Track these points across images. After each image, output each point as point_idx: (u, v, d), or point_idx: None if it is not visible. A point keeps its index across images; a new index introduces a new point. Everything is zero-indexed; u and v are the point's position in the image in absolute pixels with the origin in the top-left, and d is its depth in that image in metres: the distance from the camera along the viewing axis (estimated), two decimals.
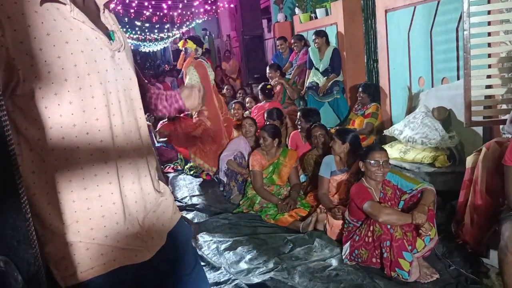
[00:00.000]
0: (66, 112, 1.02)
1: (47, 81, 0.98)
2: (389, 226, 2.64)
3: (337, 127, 4.72)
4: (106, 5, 1.18)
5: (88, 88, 1.05)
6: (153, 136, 6.29)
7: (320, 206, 3.52)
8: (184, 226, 1.38)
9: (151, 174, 1.25)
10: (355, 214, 2.90)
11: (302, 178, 4.22)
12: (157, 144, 6.27)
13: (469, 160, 2.93)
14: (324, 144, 3.96)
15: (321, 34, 5.74)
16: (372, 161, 2.85)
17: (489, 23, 3.27)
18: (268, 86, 5.74)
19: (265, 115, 4.99)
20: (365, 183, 2.91)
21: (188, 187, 4.95)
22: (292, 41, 6.57)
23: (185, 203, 4.41)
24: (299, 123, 4.44)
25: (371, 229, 2.73)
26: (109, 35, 1.13)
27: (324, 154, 3.87)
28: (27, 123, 1.01)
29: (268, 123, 4.77)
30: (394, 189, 2.92)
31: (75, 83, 1.02)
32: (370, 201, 2.75)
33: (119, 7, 12.22)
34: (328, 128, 4.17)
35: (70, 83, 1.01)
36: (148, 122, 6.72)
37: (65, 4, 1.02)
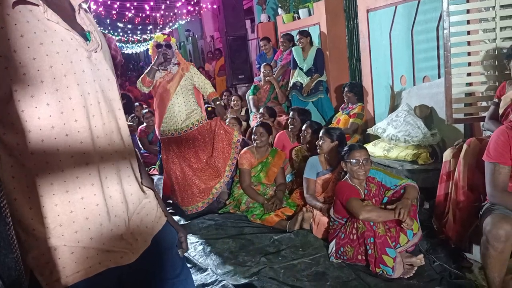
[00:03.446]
0: (43, 114, 1.00)
1: (23, 83, 0.97)
2: (371, 223, 2.67)
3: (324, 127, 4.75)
4: (81, 6, 1.16)
5: (65, 90, 1.03)
6: (137, 139, 6.26)
7: (307, 206, 3.54)
8: (170, 230, 1.37)
9: (135, 175, 1.24)
10: (340, 211, 2.92)
11: (288, 177, 4.24)
12: (142, 151, 6.24)
13: (446, 154, 2.99)
14: (310, 143, 3.99)
15: (305, 34, 5.77)
16: (353, 161, 2.88)
17: (468, 22, 3.33)
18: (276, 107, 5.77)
19: (263, 110, 5.10)
20: (350, 181, 2.94)
21: None
22: (281, 39, 6.58)
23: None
24: (292, 122, 4.45)
25: (355, 226, 2.76)
26: (85, 35, 1.11)
27: (312, 150, 3.90)
28: (4, 129, 0.99)
29: (263, 119, 4.80)
30: (378, 185, 2.96)
31: (52, 85, 1.01)
32: (352, 199, 2.77)
33: (100, 9, 12.10)
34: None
35: (46, 85, 1.00)
36: (131, 123, 6.60)
37: (38, 5, 1.00)
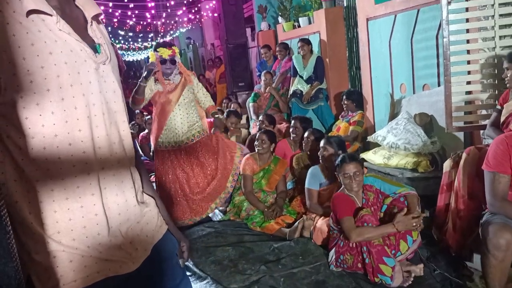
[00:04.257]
0: (48, 122, 1.01)
1: (29, 90, 0.98)
2: None
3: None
4: (95, 18, 1.18)
5: (71, 99, 1.05)
6: (137, 146, 6.26)
7: (307, 213, 3.52)
8: (170, 238, 1.37)
9: (135, 185, 1.24)
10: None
11: (289, 185, 4.23)
12: (143, 157, 6.24)
13: (446, 165, 2.98)
14: (312, 151, 3.99)
15: (307, 41, 5.81)
16: (344, 174, 2.86)
17: (467, 31, 3.35)
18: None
19: (263, 117, 5.12)
20: (346, 192, 2.91)
21: None
22: (277, 48, 6.62)
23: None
24: (294, 130, 4.45)
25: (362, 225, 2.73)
26: (95, 47, 1.13)
27: (314, 158, 3.90)
28: (9, 131, 1.00)
29: (264, 126, 4.80)
30: (377, 193, 2.94)
31: (58, 94, 1.02)
32: (345, 219, 2.75)
33: (102, 17, 12.16)
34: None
35: (52, 93, 1.01)
36: (131, 130, 6.60)
37: (51, 15, 1.02)
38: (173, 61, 3.73)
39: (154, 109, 3.92)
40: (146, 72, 3.51)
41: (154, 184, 5.06)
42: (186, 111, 3.84)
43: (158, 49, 3.70)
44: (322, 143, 3.59)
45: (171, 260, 1.35)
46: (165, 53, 3.68)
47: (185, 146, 3.87)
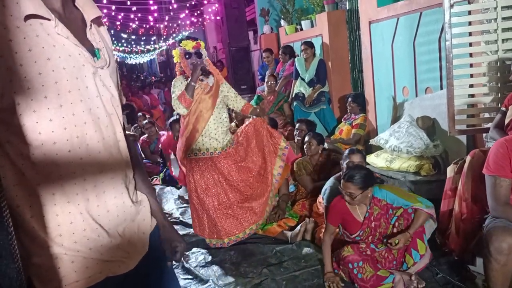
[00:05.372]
0: (45, 129, 1.00)
1: (26, 97, 0.96)
2: (356, 272, 2.64)
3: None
4: (95, 21, 1.16)
5: (69, 106, 1.03)
6: (139, 148, 6.28)
7: (313, 214, 3.52)
8: (156, 229, 1.36)
9: (132, 186, 1.25)
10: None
11: (290, 188, 4.22)
12: (144, 160, 6.26)
13: (450, 170, 2.94)
14: (316, 155, 3.99)
15: (310, 44, 5.82)
16: (341, 188, 2.77)
17: (470, 34, 3.35)
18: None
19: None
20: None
21: (175, 199, 4.92)
22: (281, 51, 6.63)
23: (172, 215, 4.38)
24: (300, 133, 4.44)
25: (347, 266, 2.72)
26: (94, 52, 1.12)
27: (318, 163, 3.87)
28: (8, 137, 0.99)
29: None
30: (385, 209, 2.78)
31: (56, 100, 1.01)
32: (329, 226, 2.82)
33: (105, 20, 12.21)
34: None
35: (50, 100, 1.00)
36: (135, 133, 6.63)
37: (49, 19, 1.00)
38: (199, 54, 3.35)
39: (188, 114, 3.44)
40: (200, 71, 3.26)
41: (157, 187, 5.08)
42: (224, 113, 3.56)
43: (181, 43, 3.40)
44: (353, 156, 3.29)
45: (160, 250, 1.36)
46: (189, 45, 3.35)
47: (229, 150, 3.54)
